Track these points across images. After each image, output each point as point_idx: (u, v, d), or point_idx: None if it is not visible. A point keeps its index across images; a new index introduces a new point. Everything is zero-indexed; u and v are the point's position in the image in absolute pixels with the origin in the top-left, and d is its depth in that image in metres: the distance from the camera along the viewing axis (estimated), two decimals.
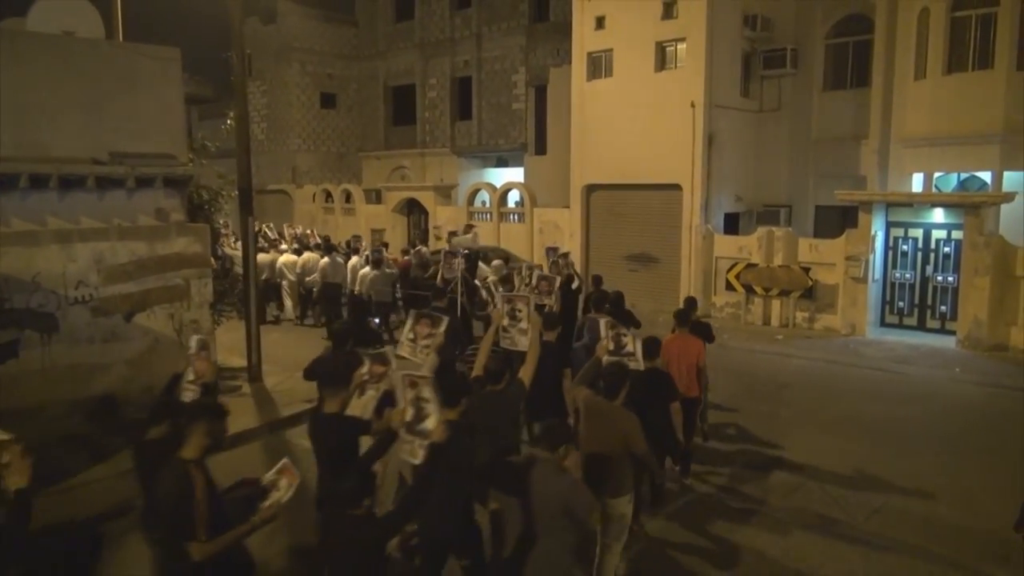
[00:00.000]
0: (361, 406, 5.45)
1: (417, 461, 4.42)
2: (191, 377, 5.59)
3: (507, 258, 13.92)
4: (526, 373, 5.50)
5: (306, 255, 15.80)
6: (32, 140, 8.73)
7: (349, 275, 14.30)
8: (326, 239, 17.69)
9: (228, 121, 12.22)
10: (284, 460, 4.30)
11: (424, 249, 15.96)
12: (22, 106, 8.62)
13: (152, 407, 4.91)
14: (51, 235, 8.90)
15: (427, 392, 4.64)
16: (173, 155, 9.93)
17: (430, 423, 4.50)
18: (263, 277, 12.52)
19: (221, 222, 13.86)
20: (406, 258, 15.58)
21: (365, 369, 5.68)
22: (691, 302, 8.99)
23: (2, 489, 3.76)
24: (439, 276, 11.16)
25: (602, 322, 6.55)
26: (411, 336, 6.67)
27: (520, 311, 6.59)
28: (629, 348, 6.15)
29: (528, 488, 4.15)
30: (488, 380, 5.40)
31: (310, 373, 6.97)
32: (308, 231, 19.64)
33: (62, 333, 8.97)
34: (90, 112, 9.19)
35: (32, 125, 8.73)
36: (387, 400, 5.49)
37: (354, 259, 14.75)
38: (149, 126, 9.67)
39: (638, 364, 6.18)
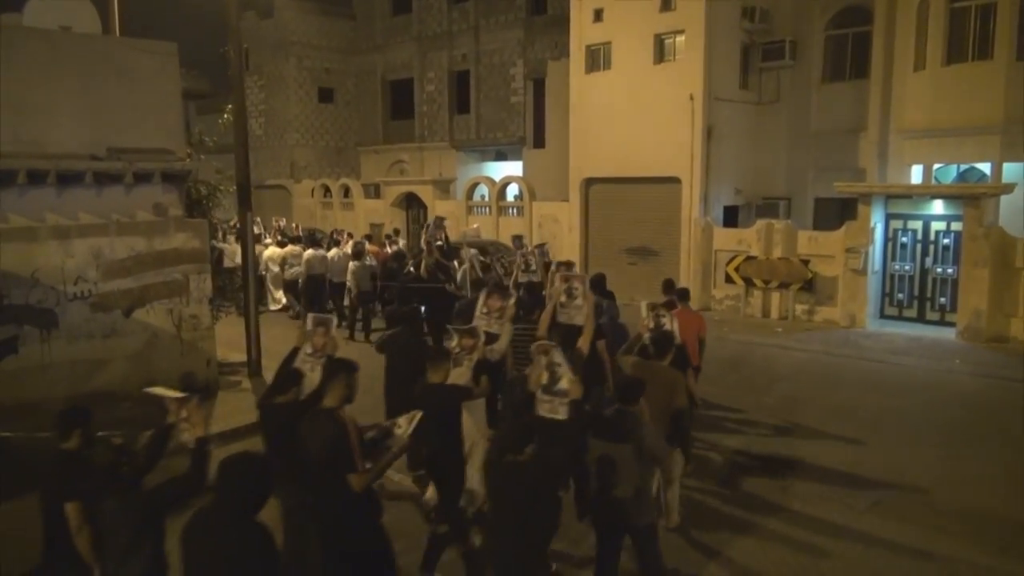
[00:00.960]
0: (458, 375, 6.13)
1: (561, 417, 5.02)
2: (309, 351, 6.29)
3: (484, 250, 14.06)
4: (584, 344, 6.32)
5: (289, 247, 16.15)
6: (29, 136, 8.71)
7: (327, 266, 15.00)
8: (310, 232, 18.44)
9: (226, 115, 12.20)
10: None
11: (401, 243, 16.61)
12: (19, 101, 8.60)
13: (277, 378, 5.73)
14: (49, 231, 8.89)
15: (557, 357, 5.32)
16: (171, 150, 9.92)
17: (564, 383, 5.14)
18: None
19: (226, 220, 13.87)
20: (385, 251, 15.98)
21: (455, 343, 6.55)
22: (670, 283, 9.29)
23: (183, 441, 4.39)
24: (422, 266, 12.14)
25: (643, 304, 7.31)
26: (484, 310, 7.40)
27: (576, 288, 7.11)
28: (667, 326, 6.89)
29: (633, 435, 4.88)
30: None
31: (381, 347, 7.66)
32: (293, 224, 19.74)
33: (61, 329, 8.97)
34: (87, 107, 9.18)
35: (29, 121, 8.71)
36: (479, 368, 6.37)
37: (333, 251, 15.32)
38: (146, 121, 9.66)
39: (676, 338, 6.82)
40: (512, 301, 7.57)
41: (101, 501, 3.95)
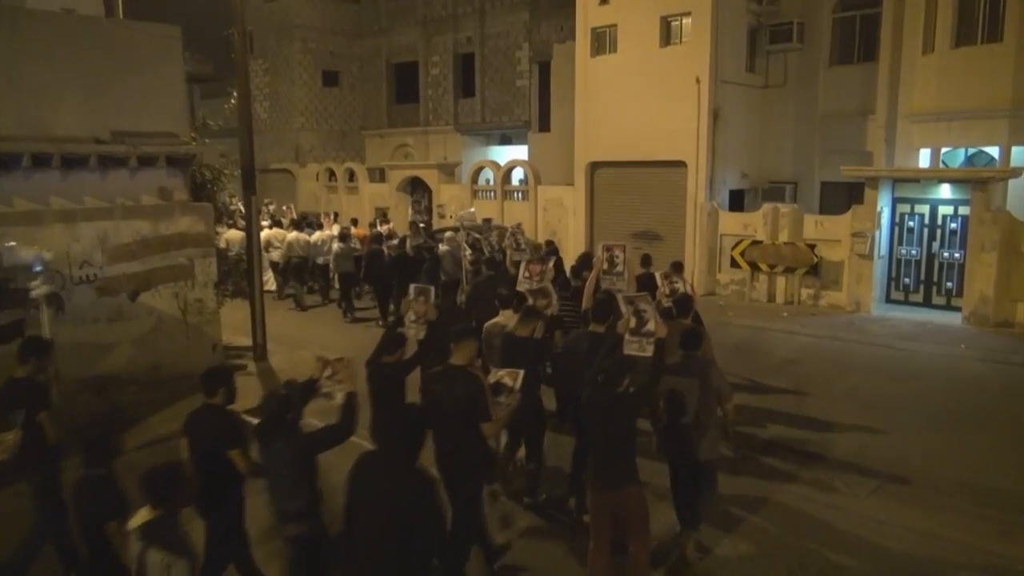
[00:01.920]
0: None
1: (648, 354, 5.86)
2: (412, 317, 7.10)
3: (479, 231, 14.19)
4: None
5: (274, 230, 16.35)
6: (33, 119, 8.71)
7: (311, 248, 15.67)
8: (303, 216, 18.97)
9: (232, 100, 12.17)
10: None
11: (387, 227, 17.01)
12: (22, 85, 8.60)
13: (384, 341, 6.23)
14: (54, 215, 8.90)
15: (644, 305, 6.34)
16: (175, 134, 9.91)
17: (651, 325, 6.10)
18: (233, 252, 13.20)
19: (231, 200, 13.91)
20: (368, 234, 16.45)
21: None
22: (646, 258, 10.09)
23: (325, 395, 5.10)
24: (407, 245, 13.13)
25: (658, 274, 8.16)
26: (527, 275, 8.31)
27: (618, 257, 7.99)
28: (682, 289, 7.83)
29: (699, 373, 5.77)
30: (595, 319, 6.80)
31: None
32: (285, 207, 19.87)
33: (67, 312, 9.00)
34: (91, 91, 9.16)
35: (33, 104, 8.71)
36: (553, 325, 7.59)
37: (317, 234, 15.96)
38: (151, 105, 9.64)
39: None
40: (551, 264, 8.64)
41: (271, 444, 4.60)
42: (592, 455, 5.37)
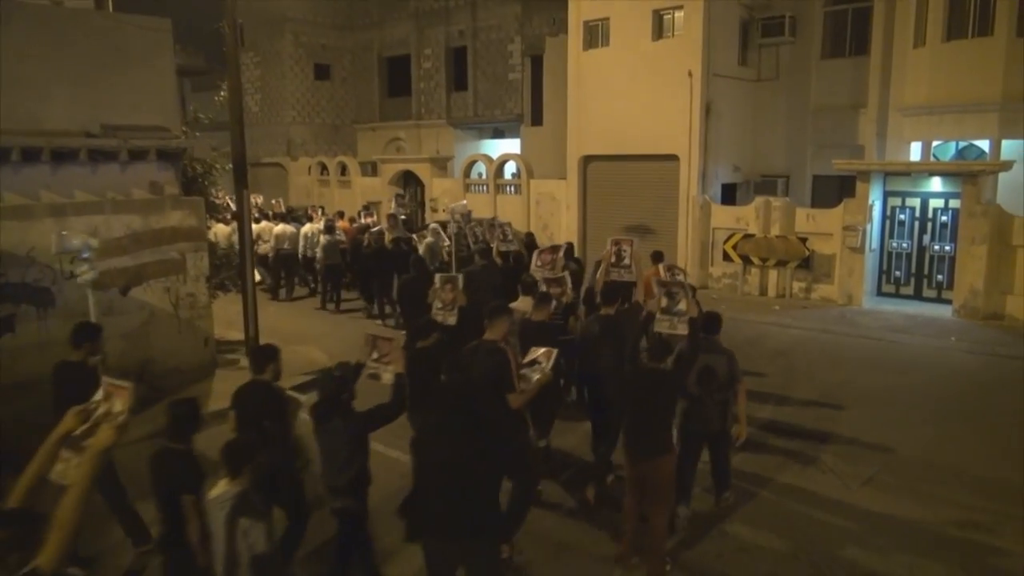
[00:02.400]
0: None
1: (681, 332, 6.21)
2: (439, 305, 7.42)
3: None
4: (640, 295, 8.10)
5: (263, 224, 16.36)
6: (22, 112, 8.63)
7: (301, 241, 15.82)
8: (290, 209, 19.22)
9: (223, 94, 12.11)
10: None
11: (370, 219, 17.22)
12: (11, 78, 8.51)
13: (420, 326, 6.67)
14: (45, 209, 8.83)
15: (676, 287, 6.75)
16: (166, 127, 9.84)
17: (683, 305, 6.54)
18: (221, 246, 13.20)
19: (221, 195, 13.87)
20: (353, 226, 16.67)
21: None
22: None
23: (372, 376, 5.44)
24: (386, 238, 13.42)
25: (660, 266, 8.36)
26: (539, 263, 8.85)
27: (625, 251, 8.47)
28: (682, 279, 7.85)
29: (728, 352, 6.40)
30: (605, 303, 7.30)
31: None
32: (273, 201, 19.92)
33: (58, 307, 8.95)
34: (81, 84, 9.09)
35: (22, 97, 8.62)
36: (568, 311, 8.26)
37: (307, 226, 16.09)
38: (141, 98, 9.57)
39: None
40: (561, 252, 9.18)
41: (327, 422, 4.90)
42: (628, 427, 5.67)
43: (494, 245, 11.24)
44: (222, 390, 9.79)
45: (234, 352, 11.35)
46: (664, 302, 6.67)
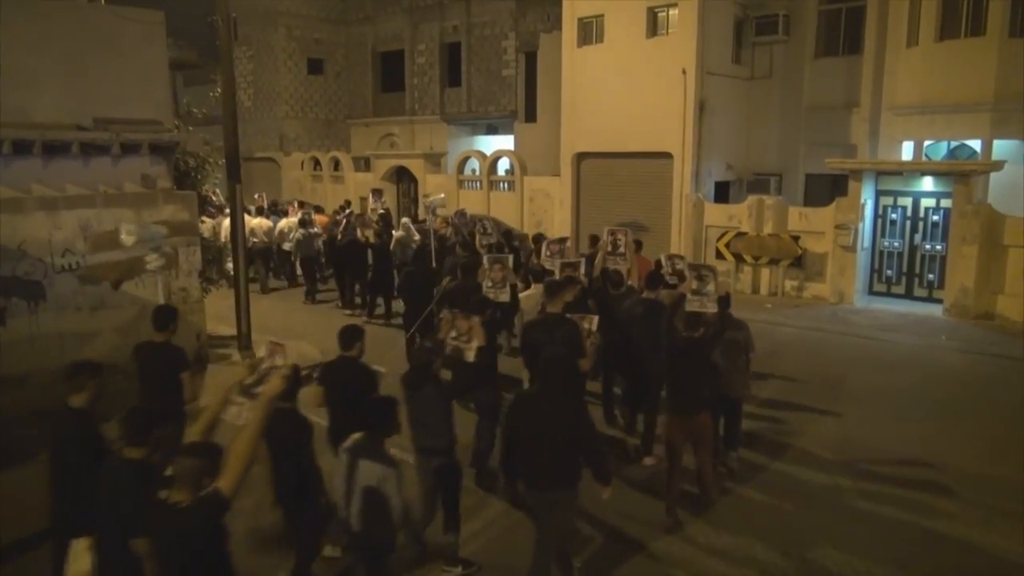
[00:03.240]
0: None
1: (712, 310, 6.93)
2: (489, 284, 8.01)
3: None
4: (634, 280, 8.91)
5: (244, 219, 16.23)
6: (14, 105, 8.58)
7: (277, 235, 16.31)
8: (274, 203, 19.56)
9: (216, 88, 12.05)
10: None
11: (350, 213, 17.25)
12: (2, 70, 8.46)
13: (475, 303, 7.17)
14: (36, 202, 8.80)
15: (706, 272, 7.46)
16: (159, 121, 9.80)
17: (711, 286, 7.24)
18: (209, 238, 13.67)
19: (212, 193, 13.86)
20: (325, 218, 17.12)
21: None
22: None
23: (462, 352, 6.09)
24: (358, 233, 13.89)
25: (662, 256, 9.30)
26: (548, 253, 9.60)
27: (620, 240, 9.31)
28: (680, 266, 9.07)
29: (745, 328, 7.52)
30: (648, 288, 8.15)
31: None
32: (256, 195, 19.89)
33: (49, 301, 8.92)
34: (72, 77, 9.04)
35: (13, 89, 8.57)
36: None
37: (283, 221, 16.58)
38: (133, 91, 9.52)
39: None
40: (568, 242, 10.19)
41: (420, 390, 5.44)
42: (673, 391, 6.52)
43: (476, 238, 12.08)
44: (214, 385, 9.76)
45: (225, 347, 11.32)
46: (695, 284, 7.49)
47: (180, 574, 3.55)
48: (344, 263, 14.48)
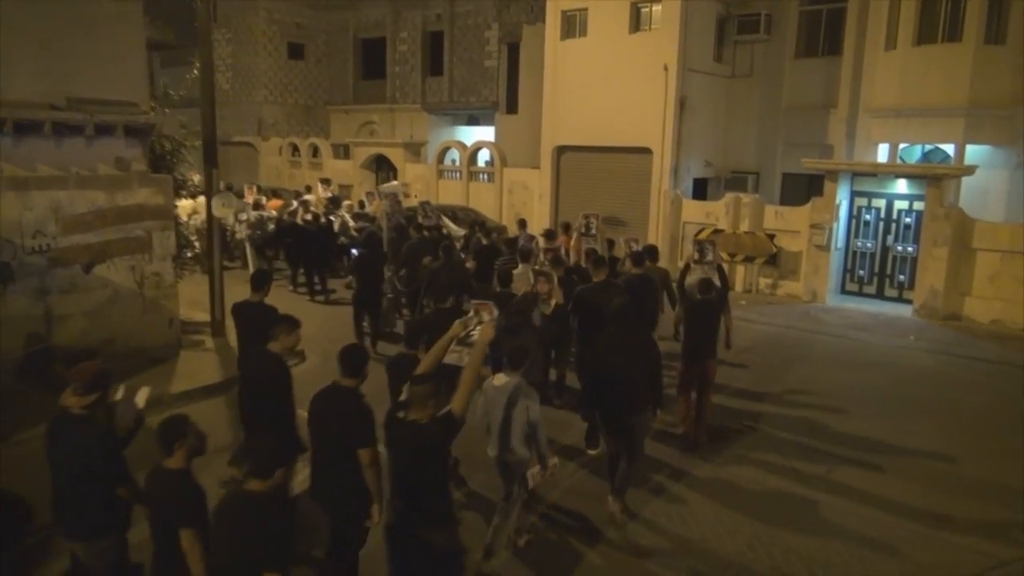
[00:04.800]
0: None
1: (710, 276, 8.36)
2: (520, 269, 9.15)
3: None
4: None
5: (199, 199, 16.15)
6: None
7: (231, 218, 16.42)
8: (228, 186, 19.28)
9: (194, 70, 11.90)
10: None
11: (309, 198, 17.97)
12: None
13: (501, 277, 8.66)
14: (6, 182, 8.63)
15: (708, 246, 9.40)
16: (134, 103, 9.65)
17: (711, 256, 9.22)
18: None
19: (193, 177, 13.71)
20: (279, 202, 17.69)
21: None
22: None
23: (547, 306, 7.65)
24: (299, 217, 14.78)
25: (621, 240, 10.78)
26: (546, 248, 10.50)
27: (592, 223, 10.96)
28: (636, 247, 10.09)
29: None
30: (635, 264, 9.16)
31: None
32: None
33: (18, 283, 8.76)
34: (46, 55, 8.86)
35: None
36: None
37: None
38: (109, 72, 9.36)
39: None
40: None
41: (519, 332, 6.77)
42: (690, 341, 7.87)
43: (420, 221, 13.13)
44: (187, 372, 9.70)
45: (199, 333, 11.21)
46: (697, 255, 9.20)
47: (416, 481, 4.24)
48: (288, 245, 15.23)
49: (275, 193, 18.83)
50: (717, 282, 8.56)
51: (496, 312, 5.65)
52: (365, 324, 11.01)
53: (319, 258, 14.71)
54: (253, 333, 6.55)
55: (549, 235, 11.90)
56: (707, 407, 7.91)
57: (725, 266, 16.04)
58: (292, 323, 5.68)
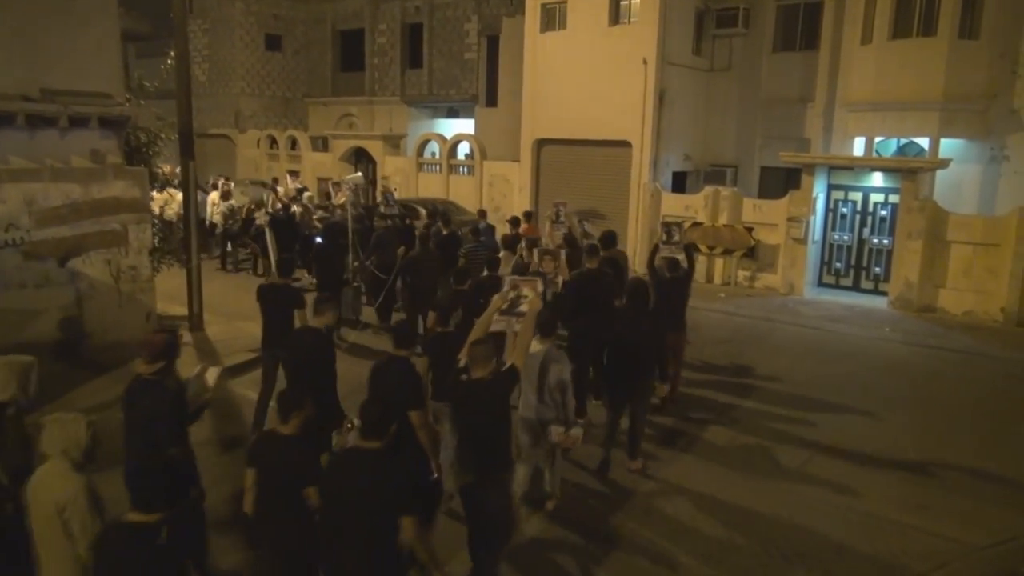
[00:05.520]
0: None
1: (680, 256, 9.29)
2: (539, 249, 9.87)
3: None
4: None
5: (168, 191, 16.39)
6: None
7: (208, 208, 16.95)
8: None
9: (169, 61, 11.75)
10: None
11: (279, 190, 18.10)
12: None
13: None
14: None
15: (675, 228, 10.24)
16: (109, 94, 9.53)
17: (678, 237, 10.11)
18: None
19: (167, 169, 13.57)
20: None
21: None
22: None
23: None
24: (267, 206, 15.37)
25: (574, 218, 11.87)
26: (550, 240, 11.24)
27: (562, 211, 11.90)
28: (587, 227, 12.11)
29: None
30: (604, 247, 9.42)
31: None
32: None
33: None
34: (19, 45, 8.73)
35: None
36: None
37: (212, 194, 17.27)
38: (83, 62, 9.23)
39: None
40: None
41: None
42: (660, 314, 7.93)
43: (381, 210, 13.68)
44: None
45: (176, 327, 11.08)
46: (665, 237, 10.04)
47: (486, 432, 4.83)
48: (255, 237, 15.66)
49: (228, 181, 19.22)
50: (684, 263, 9.07)
51: (542, 287, 6.65)
52: None
53: (284, 246, 14.85)
54: (275, 314, 7.55)
55: (514, 222, 12.38)
56: (677, 376, 8.88)
57: (704, 259, 16.39)
58: (335, 303, 6.67)
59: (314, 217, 15.43)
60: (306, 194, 17.77)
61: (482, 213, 14.47)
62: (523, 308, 6.23)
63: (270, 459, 4.32)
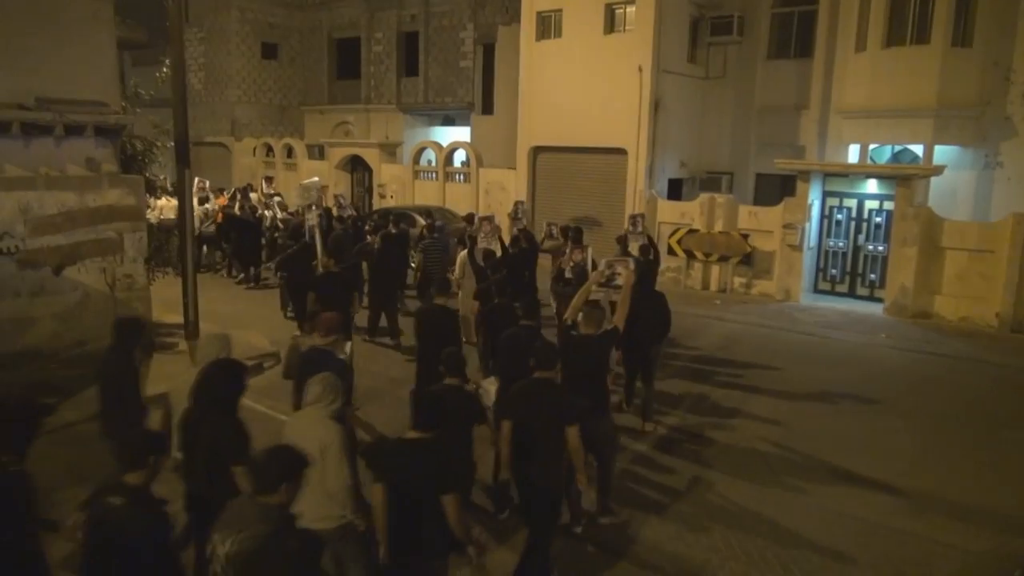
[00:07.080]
0: None
1: (635, 254, 10.39)
2: (482, 235, 11.18)
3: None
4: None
5: (166, 199, 16.48)
6: None
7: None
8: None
9: (165, 70, 11.76)
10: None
11: (252, 196, 18.92)
12: None
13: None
14: None
15: (639, 219, 12.11)
16: (105, 102, 9.54)
17: (640, 227, 11.70)
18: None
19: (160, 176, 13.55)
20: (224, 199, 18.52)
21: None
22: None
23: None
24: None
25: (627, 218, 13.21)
26: (482, 233, 11.45)
27: (520, 208, 14.30)
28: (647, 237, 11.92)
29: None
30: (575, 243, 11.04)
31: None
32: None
33: None
34: (15, 54, 8.73)
35: None
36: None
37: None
38: (79, 71, 9.25)
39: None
40: (496, 220, 12.44)
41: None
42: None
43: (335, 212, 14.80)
44: (159, 374, 9.55)
45: (172, 335, 11.06)
46: (631, 227, 11.77)
47: (590, 379, 5.95)
48: (231, 237, 16.40)
49: (221, 191, 19.76)
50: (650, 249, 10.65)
51: (633, 265, 7.86)
52: (289, 309, 12.30)
53: (251, 247, 16.06)
54: (329, 298, 8.15)
55: (470, 219, 13.45)
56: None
57: (700, 265, 16.46)
58: (449, 284, 7.98)
59: (279, 218, 16.38)
60: (276, 199, 18.46)
61: (470, 218, 14.46)
62: (619, 282, 7.42)
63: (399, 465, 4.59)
